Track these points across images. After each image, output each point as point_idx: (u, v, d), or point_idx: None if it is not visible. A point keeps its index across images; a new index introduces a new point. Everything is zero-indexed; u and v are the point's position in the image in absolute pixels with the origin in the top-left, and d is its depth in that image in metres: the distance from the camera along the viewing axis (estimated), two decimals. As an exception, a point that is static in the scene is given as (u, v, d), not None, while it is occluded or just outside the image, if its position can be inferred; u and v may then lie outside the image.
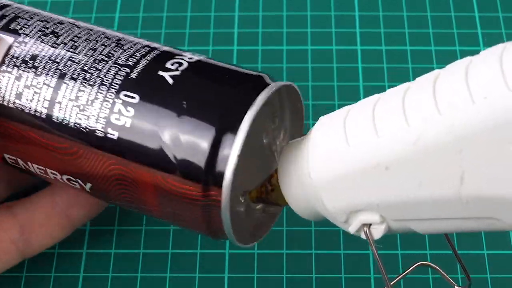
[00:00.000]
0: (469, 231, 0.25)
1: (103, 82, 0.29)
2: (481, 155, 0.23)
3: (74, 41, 0.31)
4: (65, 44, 0.30)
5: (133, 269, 0.37)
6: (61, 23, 0.32)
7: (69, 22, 0.32)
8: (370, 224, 0.27)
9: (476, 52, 0.44)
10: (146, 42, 0.31)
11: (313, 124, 0.41)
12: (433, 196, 0.24)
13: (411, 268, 0.28)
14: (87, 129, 0.29)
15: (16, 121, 0.30)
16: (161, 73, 0.29)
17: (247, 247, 0.31)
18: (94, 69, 0.29)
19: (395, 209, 0.26)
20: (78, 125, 0.29)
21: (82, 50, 0.30)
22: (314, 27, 0.45)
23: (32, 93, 0.30)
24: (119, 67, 0.29)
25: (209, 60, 0.30)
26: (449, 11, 0.45)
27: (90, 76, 0.29)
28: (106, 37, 0.31)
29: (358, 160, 0.25)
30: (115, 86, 0.29)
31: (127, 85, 0.29)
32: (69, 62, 0.30)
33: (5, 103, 0.30)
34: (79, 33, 0.31)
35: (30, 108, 0.30)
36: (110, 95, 0.29)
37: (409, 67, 0.43)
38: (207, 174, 0.27)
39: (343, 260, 0.37)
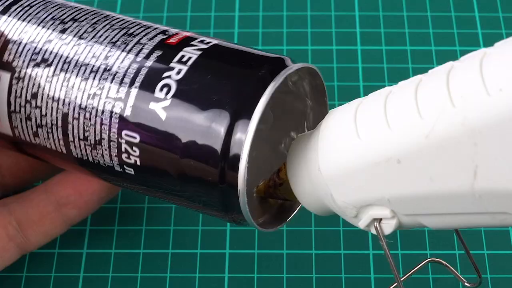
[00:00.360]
0: (481, 226, 0.25)
1: (103, 122, 0.29)
2: (496, 148, 0.22)
3: (66, 71, 0.30)
4: (58, 76, 0.30)
5: (133, 269, 0.37)
6: (49, 41, 0.30)
7: (57, 41, 0.30)
8: (381, 219, 0.26)
9: (476, 52, 0.44)
10: (131, 55, 0.29)
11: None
12: (445, 190, 0.24)
13: (422, 264, 0.28)
14: (105, 165, 0.29)
15: (40, 150, 0.31)
16: (152, 106, 0.28)
17: (271, 231, 0.31)
18: (90, 106, 0.29)
19: (406, 203, 0.25)
20: (97, 161, 0.30)
21: (75, 84, 0.29)
22: (314, 27, 0.45)
23: (46, 132, 0.30)
24: (112, 102, 0.29)
25: (201, 63, 0.28)
26: (449, 11, 0.45)
27: (90, 115, 0.29)
28: (93, 56, 0.29)
29: (369, 153, 0.25)
30: (115, 126, 0.28)
31: (124, 124, 0.28)
32: (66, 100, 0.29)
33: (27, 139, 0.31)
34: (68, 56, 0.30)
35: (50, 145, 0.30)
36: (113, 135, 0.29)
37: (409, 67, 0.43)
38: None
39: (343, 260, 0.37)
